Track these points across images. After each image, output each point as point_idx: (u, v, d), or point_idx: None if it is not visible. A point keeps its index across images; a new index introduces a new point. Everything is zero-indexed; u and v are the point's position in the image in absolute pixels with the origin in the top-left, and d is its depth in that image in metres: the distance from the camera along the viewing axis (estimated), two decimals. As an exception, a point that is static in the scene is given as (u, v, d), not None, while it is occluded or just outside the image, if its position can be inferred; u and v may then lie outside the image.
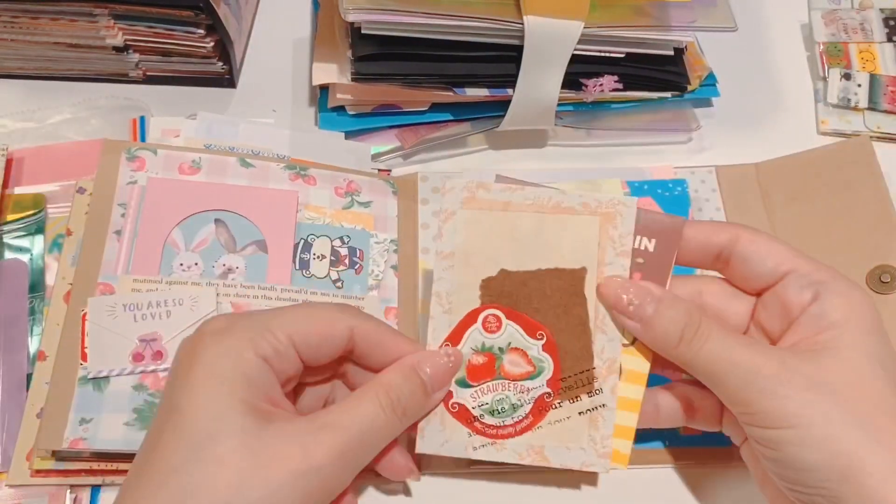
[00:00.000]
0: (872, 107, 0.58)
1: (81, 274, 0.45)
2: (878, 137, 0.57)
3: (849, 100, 0.58)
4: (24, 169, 0.51)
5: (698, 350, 0.34)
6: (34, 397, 0.43)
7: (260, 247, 0.47)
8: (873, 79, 0.59)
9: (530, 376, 0.37)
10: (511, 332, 0.37)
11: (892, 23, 0.62)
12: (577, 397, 0.37)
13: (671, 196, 0.52)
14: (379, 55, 0.50)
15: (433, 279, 0.37)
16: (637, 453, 0.44)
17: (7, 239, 0.49)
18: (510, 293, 0.37)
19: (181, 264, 0.46)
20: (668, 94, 0.55)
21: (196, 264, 0.46)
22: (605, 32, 0.49)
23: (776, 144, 0.55)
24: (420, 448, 0.37)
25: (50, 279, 0.47)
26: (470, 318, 0.37)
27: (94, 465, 0.42)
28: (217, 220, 0.47)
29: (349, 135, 0.55)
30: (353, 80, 0.51)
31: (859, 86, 0.59)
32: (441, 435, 0.37)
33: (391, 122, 0.54)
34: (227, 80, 0.57)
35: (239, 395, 0.32)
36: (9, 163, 0.50)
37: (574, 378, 0.37)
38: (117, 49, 0.54)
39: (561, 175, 0.53)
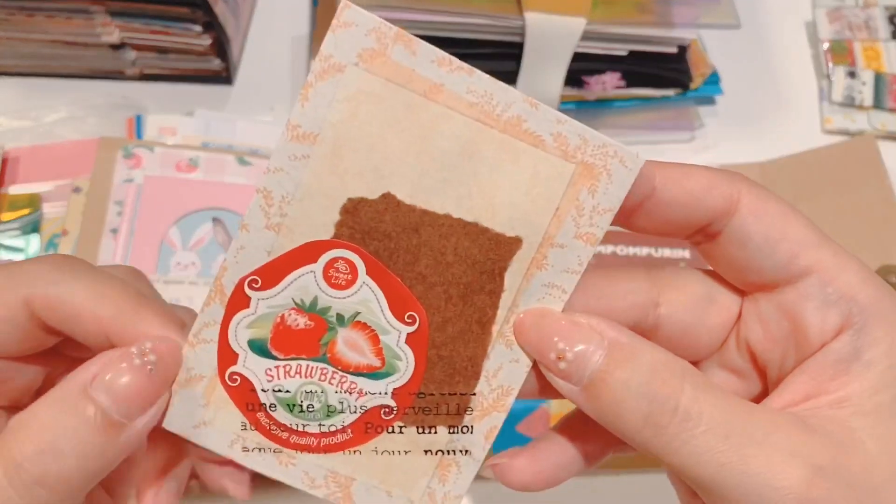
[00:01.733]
0: (877, 105, 0.58)
1: (76, 274, 0.44)
2: (883, 136, 0.57)
3: (853, 98, 0.58)
4: (20, 168, 0.51)
5: (679, 447, 0.21)
6: (29, 399, 0.42)
7: (258, 246, 0.47)
8: (878, 77, 0.58)
9: (372, 373, 0.23)
10: (367, 296, 0.23)
11: (896, 20, 0.61)
12: (431, 428, 0.24)
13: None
14: (378, 52, 0.49)
15: (268, 167, 0.22)
16: (635, 455, 0.44)
17: (2, 238, 0.48)
18: (388, 236, 0.22)
19: (178, 263, 0.45)
20: (671, 92, 0.54)
21: (193, 263, 0.45)
22: (608, 29, 0.49)
23: (780, 143, 0.55)
24: (167, 422, 0.24)
25: (45, 279, 0.47)
26: (307, 253, 0.23)
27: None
28: (215, 219, 0.47)
29: (348, 133, 0.54)
30: (352, 77, 0.50)
31: (864, 84, 0.58)
32: (200, 412, 0.24)
33: (391, 120, 0.54)
34: (224, 77, 0.57)
35: None
36: (4, 162, 0.50)
37: (438, 399, 0.24)
38: (114, 46, 0.53)
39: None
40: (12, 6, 0.51)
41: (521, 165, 0.22)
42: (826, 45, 0.60)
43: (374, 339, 0.23)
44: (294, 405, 0.24)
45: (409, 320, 0.23)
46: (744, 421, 0.21)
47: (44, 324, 0.23)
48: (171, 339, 0.22)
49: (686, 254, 0.48)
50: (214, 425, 0.24)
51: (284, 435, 0.24)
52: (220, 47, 0.54)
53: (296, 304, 0.23)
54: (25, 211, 0.49)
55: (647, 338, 0.23)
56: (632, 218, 0.23)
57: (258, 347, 0.23)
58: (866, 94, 0.58)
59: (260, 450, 0.24)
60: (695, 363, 0.25)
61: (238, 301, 0.23)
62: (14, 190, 0.50)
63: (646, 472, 0.44)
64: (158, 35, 0.52)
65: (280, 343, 0.23)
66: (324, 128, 0.22)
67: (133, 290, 0.23)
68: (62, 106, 0.54)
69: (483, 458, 0.24)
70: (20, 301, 0.22)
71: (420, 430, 0.24)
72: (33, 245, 0.48)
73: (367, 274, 0.23)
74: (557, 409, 0.44)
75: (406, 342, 0.23)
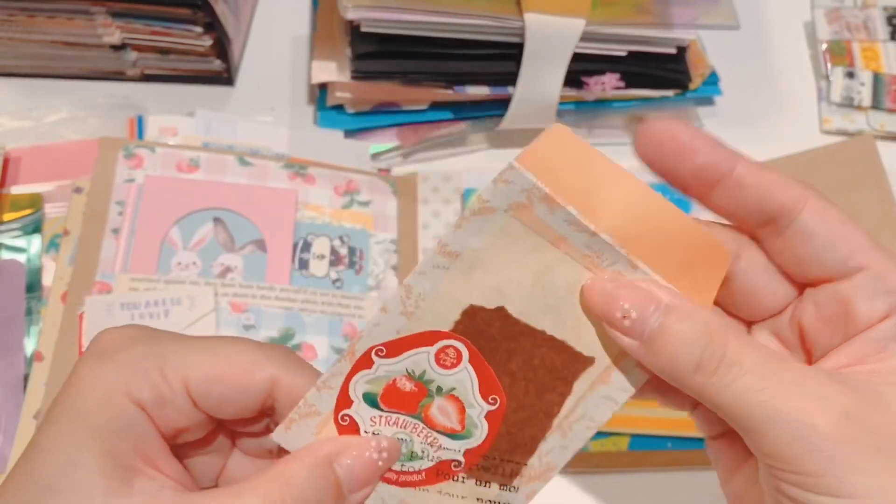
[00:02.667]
0: (876, 105, 0.58)
1: (78, 272, 0.44)
2: (882, 136, 0.57)
3: (852, 98, 0.58)
4: (21, 168, 0.51)
5: (723, 388, 0.25)
6: (31, 398, 0.43)
7: (259, 246, 0.47)
8: (877, 77, 0.59)
9: (453, 434, 0.29)
10: (464, 377, 0.29)
11: (895, 21, 0.61)
12: (487, 483, 0.30)
13: (671, 198, 0.51)
14: (378, 53, 0.50)
15: (413, 270, 0.29)
16: (642, 455, 0.44)
17: (3, 239, 0.48)
18: (492, 338, 0.28)
19: (179, 263, 0.45)
20: (670, 93, 0.54)
21: (194, 263, 0.46)
22: (607, 30, 0.49)
23: (779, 143, 0.55)
24: (277, 436, 0.29)
25: (47, 279, 0.47)
26: (427, 338, 0.28)
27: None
28: (215, 219, 0.47)
29: (348, 133, 0.54)
30: (352, 78, 0.50)
31: (863, 84, 0.58)
32: (309, 439, 0.29)
33: (391, 120, 0.54)
34: (225, 78, 0.57)
35: (98, 445, 0.25)
36: (5, 162, 0.50)
37: (498, 462, 0.30)
38: (115, 47, 0.54)
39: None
40: (13, 7, 0.51)
41: (589, 322, 0.28)
42: (825, 46, 0.60)
43: (462, 409, 0.29)
44: None
45: (492, 401, 0.29)
46: (781, 369, 0.25)
47: (271, 402, 0.28)
48: (394, 440, 0.29)
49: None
50: None
51: None
52: (221, 48, 0.55)
53: (408, 372, 0.29)
54: (27, 211, 0.49)
55: (723, 286, 0.27)
56: (710, 193, 0.28)
57: (370, 399, 0.29)
58: (865, 95, 0.58)
59: None
60: (750, 323, 0.29)
61: (364, 362, 0.28)
62: (15, 190, 0.50)
63: (646, 472, 0.44)
64: (159, 36, 0.53)
65: (388, 399, 0.29)
66: (465, 250, 0.27)
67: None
68: (63, 106, 0.54)
69: None
70: (266, 380, 0.27)
71: (478, 483, 0.30)
72: (34, 245, 0.48)
73: (468, 361, 0.29)
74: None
75: (485, 417, 0.29)
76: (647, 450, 0.44)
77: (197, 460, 0.30)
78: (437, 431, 0.29)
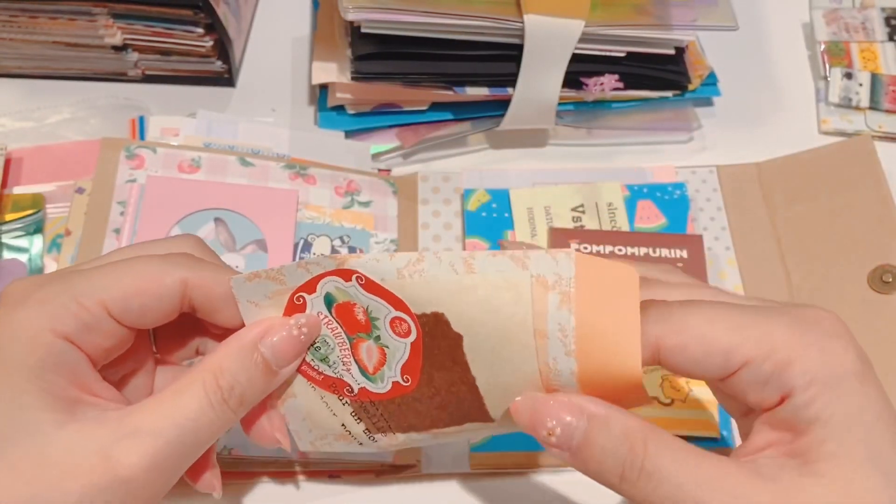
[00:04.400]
0: (874, 106, 0.58)
1: (80, 273, 0.44)
2: (880, 137, 0.57)
3: (850, 99, 0.58)
4: (23, 169, 0.51)
5: (647, 496, 0.26)
6: (32, 397, 0.43)
7: (260, 246, 0.47)
8: (875, 78, 0.59)
9: (363, 371, 0.32)
10: (399, 347, 0.31)
11: (893, 22, 0.62)
12: (359, 419, 0.33)
13: (671, 199, 0.51)
14: (379, 54, 0.50)
15: (440, 249, 0.32)
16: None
17: (5, 239, 0.48)
18: (438, 347, 0.30)
19: (180, 264, 0.46)
20: (668, 94, 0.54)
21: (195, 264, 0.46)
22: (606, 31, 0.49)
23: (777, 144, 0.55)
24: (235, 282, 0.31)
25: (48, 279, 0.47)
26: (399, 303, 0.30)
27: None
28: (217, 219, 0.47)
29: (349, 134, 0.54)
30: (352, 79, 0.50)
31: (861, 85, 0.59)
32: (259, 299, 0.31)
33: (391, 121, 0.54)
34: (226, 79, 0.57)
35: (36, 384, 0.27)
36: (7, 162, 0.50)
37: (377, 415, 0.33)
38: (116, 48, 0.54)
39: (561, 175, 0.53)
40: (15, 8, 0.51)
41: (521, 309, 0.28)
42: (823, 47, 0.61)
43: (381, 363, 0.31)
44: (318, 348, 0.32)
45: (405, 380, 0.31)
46: (695, 472, 0.26)
47: (187, 303, 0.30)
48: (315, 316, 0.30)
49: (684, 253, 0.48)
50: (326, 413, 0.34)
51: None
52: (222, 49, 0.55)
53: (368, 309, 0.30)
54: (29, 211, 0.49)
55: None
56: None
57: (328, 300, 0.31)
58: (863, 96, 0.58)
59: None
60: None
61: (344, 275, 0.30)
62: (17, 190, 0.50)
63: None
64: (161, 37, 0.53)
65: (340, 311, 0.31)
66: (480, 273, 0.28)
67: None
68: (65, 107, 0.54)
69: (347, 451, 0.35)
70: (177, 282, 0.29)
71: (353, 414, 0.33)
72: (36, 245, 0.48)
73: (411, 343, 0.30)
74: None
75: (392, 382, 0.31)
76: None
77: (127, 383, 0.32)
78: (354, 359, 0.31)
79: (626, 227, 0.50)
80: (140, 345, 0.32)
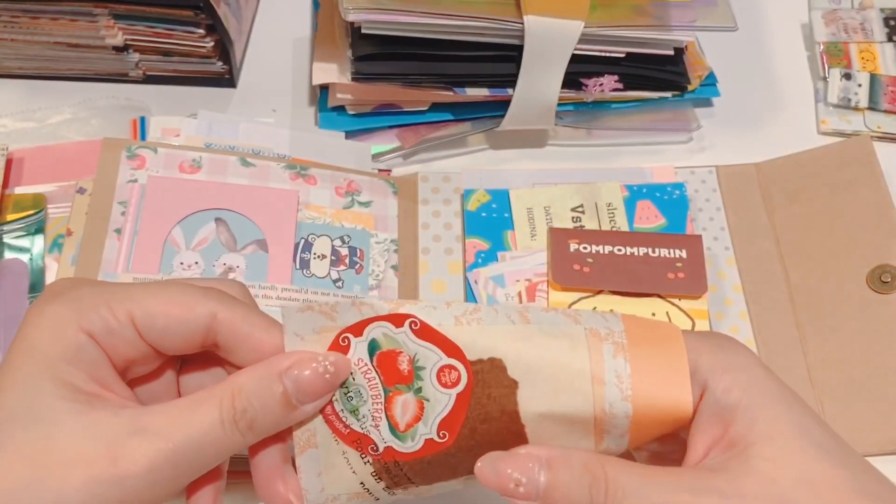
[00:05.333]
0: (873, 107, 0.58)
1: (81, 272, 0.45)
2: (879, 137, 0.57)
3: (849, 99, 0.58)
4: (25, 169, 0.51)
5: None
6: (34, 397, 0.43)
7: (260, 246, 0.47)
8: (873, 79, 0.59)
9: (393, 428, 0.31)
10: (442, 400, 0.30)
11: (892, 22, 0.62)
12: (379, 478, 0.32)
13: (670, 199, 0.51)
14: (379, 55, 0.50)
15: (505, 302, 0.31)
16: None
17: (7, 239, 0.49)
18: (488, 396, 0.30)
19: (181, 263, 0.46)
20: (668, 94, 0.55)
21: (196, 263, 0.46)
22: (606, 32, 0.49)
23: (776, 144, 0.55)
24: (286, 311, 0.31)
25: (50, 279, 0.47)
26: (452, 350, 0.30)
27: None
28: (217, 219, 0.47)
29: (349, 134, 0.55)
30: (353, 79, 0.51)
31: (860, 86, 0.59)
32: (306, 331, 0.31)
33: (391, 121, 0.54)
34: (227, 79, 0.57)
35: (55, 373, 0.27)
36: (9, 163, 0.50)
37: (402, 475, 0.31)
38: (117, 49, 0.54)
39: (561, 175, 0.53)
40: (17, 9, 0.51)
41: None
42: (822, 47, 0.61)
43: (417, 419, 0.30)
44: (349, 397, 0.31)
45: (442, 436, 0.30)
46: (654, 481, 0.28)
47: (212, 336, 0.30)
48: (347, 358, 0.30)
49: (683, 253, 0.48)
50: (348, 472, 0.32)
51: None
52: (223, 50, 0.55)
53: (414, 357, 0.30)
54: (30, 211, 0.50)
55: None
56: None
57: (373, 346, 0.31)
58: (862, 96, 0.58)
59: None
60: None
61: (396, 320, 0.30)
62: (19, 191, 0.50)
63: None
64: (161, 38, 0.53)
65: (383, 359, 0.30)
66: (537, 323, 0.30)
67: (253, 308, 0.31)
68: (66, 107, 0.54)
69: None
70: (206, 314, 0.29)
71: (374, 475, 0.31)
72: (38, 245, 0.49)
73: (457, 394, 0.30)
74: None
75: (426, 439, 0.31)
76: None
77: (147, 393, 0.32)
78: (386, 415, 0.31)
79: (625, 227, 0.50)
80: (165, 372, 0.32)
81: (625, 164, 0.55)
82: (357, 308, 0.30)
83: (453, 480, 0.31)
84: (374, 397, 0.30)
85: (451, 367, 0.30)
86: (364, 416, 0.31)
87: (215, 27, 0.52)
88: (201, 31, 0.52)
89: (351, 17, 0.47)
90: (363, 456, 0.31)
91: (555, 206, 0.51)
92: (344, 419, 0.31)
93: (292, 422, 0.30)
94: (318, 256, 0.48)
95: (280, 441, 0.31)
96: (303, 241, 0.48)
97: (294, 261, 0.47)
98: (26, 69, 0.56)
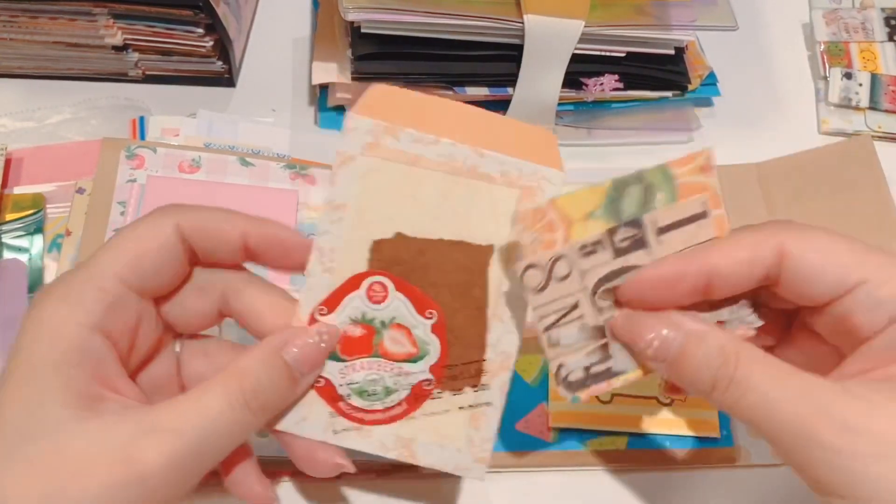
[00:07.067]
0: (873, 106, 0.58)
1: (80, 273, 0.44)
2: (880, 137, 0.57)
3: (850, 99, 0.58)
4: (24, 169, 0.51)
5: (734, 403, 0.28)
6: (33, 397, 0.43)
7: (259, 246, 0.47)
8: (874, 78, 0.59)
9: (412, 359, 0.33)
10: (398, 305, 0.32)
11: (893, 22, 0.62)
12: (460, 389, 0.33)
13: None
14: (379, 54, 0.50)
15: (317, 231, 0.32)
16: (641, 455, 0.44)
17: (6, 239, 0.48)
18: (404, 261, 0.32)
19: (180, 264, 0.46)
20: (668, 94, 0.55)
21: (195, 264, 0.46)
22: (606, 31, 0.49)
23: (777, 144, 0.55)
24: (278, 425, 0.33)
25: (49, 279, 0.47)
26: (353, 283, 0.32)
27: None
28: (216, 220, 0.47)
29: (349, 134, 0.54)
30: (353, 79, 0.51)
31: (860, 85, 0.59)
32: (298, 410, 0.33)
33: (391, 121, 0.54)
34: (226, 79, 0.57)
35: (58, 380, 0.27)
36: (8, 162, 0.50)
37: (461, 368, 0.33)
38: (117, 48, 0.54)
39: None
40: (16, 8, 0.51)
41: (482, 196, 0.31)
42: (822, 47, 0.61)
43: (409, 333, 0.32)
44: (363, 392, 0.33)
45: (430, 315, 0.32)
46: (782, 384, 0.27)
47: (190, 248, 0.31)
48: (335, 327, 0.32)
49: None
50: (310, 419, 0.33)
51: (360, 415, 0.33)
52: (223, 49, 0.55)
53: (351, 319, 0.32)
54: (29, 211, 0.49)
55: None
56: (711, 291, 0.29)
57: (332, 355, 0.32)
58: (863, 96, 0.58)
59: (346, 430, 0.33)
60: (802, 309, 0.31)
61: (311, 323, 0.32)
62: (18, 190, 0.50)
63: (645, 471, 0.44)
64: (161, 37, 0.53)
65: (346, 349, 0.32)
66: (349, 198, 0.31)
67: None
68: (66, 107, 0.54)
69: (501, 406, 0.33)
70: (171, 226, 0.30)
71: (453, 393, 0.33)
72: (37, 245, 0.48)
73: (395, 289, 0.32)
74: (555, 407, 0.44)
75: (431, 331, 0.32)
76: (647, 449, 0.44)
77: (151, 381, 0.32)
78: (399, 361, 0.33)
79: (625, 227, 0.50)
80: (153, 322, 0.32)
81: (625, 164, 0.55)
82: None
83: (493, 328, 0.32)
84: (379, 368, 0.33)
85: (369, 287, 0.32)
86: (396, 383, 0.33)
87: (215, 27, 0.52)
88: (201, 30, 0.52)
89: (351, 17, 0.47)
90: (432, 396, 0.33)
91: (555, 205, 0.51)
92: (392, 404, 0.33)
93: (295, 395, 0.32)
94: (318, 256, 0.48)
95: None
96: (302, 241, 0.48)
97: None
98: (25, 69, 0.56)
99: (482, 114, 0.33)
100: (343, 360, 0.32)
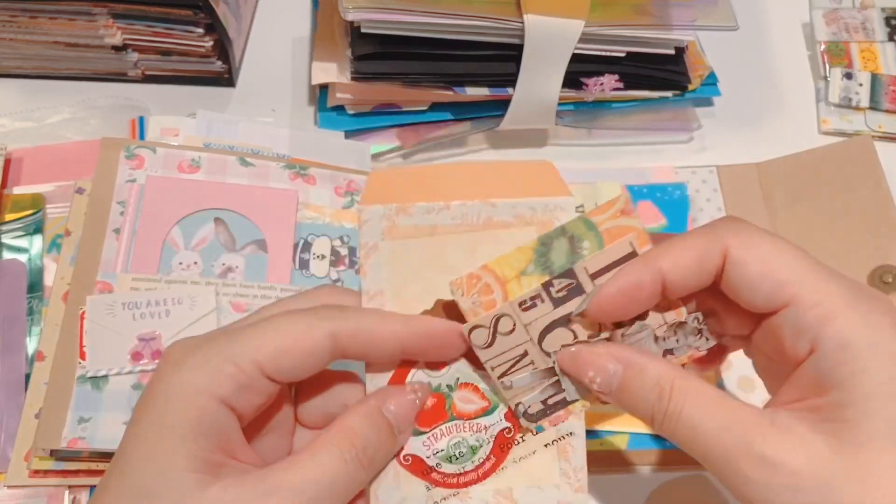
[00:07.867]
0: (874, 106, 0.58)
1: (80, 272, 0.44)
2: (880, 137, 0.57)
3: (850, 99, 0.58)
4: (23, 169, 0.51)
5: (671, 433, 0.29)
6: (32, 398, 0.43)
7: (260, 246, 0.47)
8: (874, 78, 0.59)
9: (486, 412, 0.33)
10: (458, 366, 0.33)
11: (893, 22, 0.62)
12: (538, 424, 0.33)
13: (670, 200, 0.51)
14: (379, 54, 0.50)
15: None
16: (641, 454, 0.44)
17: (5, 239, 0.48)
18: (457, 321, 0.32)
19: (180, 263, 0.46)
20: (668, 94, 0.54)
21: (195, 263, 0.46)
22: (606, 31, 0.49)
23: (777, 144, 0.55)
24: None
25: (48, 279, 0.47)
26: (409, 360, 0.33)
27: (93, 465, 0.42)
28: (216, 219, 0.47)
29: (349, 134, 0.54)
30: (352, 79, 0.50)
31: (861, 85, 0.59)
32: (396, 493, 0.33)
33: (391, 121, 0.54)
34: (226, 79, 0.57)
35: (186, 446, 0.28)
36: (7, 162, 0.50)
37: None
38: (116, 48, 0.54)
39: (561, 175, 0.53)
40: (15, 8, 0.51)
41: (503, 242, 0.32)
42: (823, 47, 0.61)
43: (476, 389, 0.33)
44: (451, 456, 0.33)
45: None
46: (710, 418, 0.28)
47: (343, 352, 0.31)
48: (425, 384, 0.32)
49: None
50: (409, 499, 0.33)
51: (454, 480, 0.33)
52: (222, 49, 0.55)
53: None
54: (28, 211, 0.49)
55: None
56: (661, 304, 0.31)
57: (413, 430, 0.33)
58: (863, 96, 0.58)
59: (445, 499, 0.33)
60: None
61: None
62: (17, 191, 0.50)
63: (645, 471, 0.44)
64: (161, 37, 0.53)
65: (423, 422, 0.33)
66: (382, 285, 0.32)
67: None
68: (65, 107, 0.54)
69: (583, 432, 0.32)
70: (326, 336, 0.30)
71: (534, 433, 0.33)
72: (36, 245, 0.48)
73: None
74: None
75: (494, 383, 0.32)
76: (647, 448, 0.44)
77: (268, 445, 0.33)
78: (475, 418, 0.33)
79: (626, 227, 0.50)
80: (282, 401, 0.33)
81: (625, 164, 0.55)
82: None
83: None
84: (459, 430, 0.33)
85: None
86: (479, 440, 0.33)
87: (214, 26, 0.52)
88: (200, 30, 0.52)
89: (350, 17, 0.47)
90: (515, 443, 0.33)
91: (555, 205, 0.51)
92: (481, 461, 0.33)
93: (395, 450, 0.32)
94: (318, 256, 0.48)
95: None
96: (302, 241, 0.48)
97: (293, 261, 0.47)
98: (25, 69, 0.56)
99: (480, 166, 0.34)
100: (424, 433, 0.33)
